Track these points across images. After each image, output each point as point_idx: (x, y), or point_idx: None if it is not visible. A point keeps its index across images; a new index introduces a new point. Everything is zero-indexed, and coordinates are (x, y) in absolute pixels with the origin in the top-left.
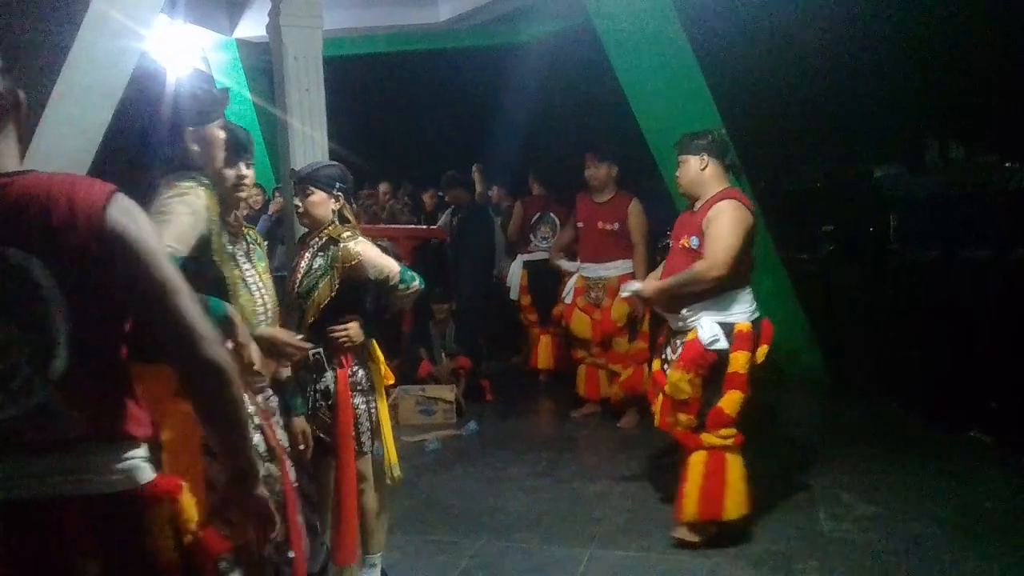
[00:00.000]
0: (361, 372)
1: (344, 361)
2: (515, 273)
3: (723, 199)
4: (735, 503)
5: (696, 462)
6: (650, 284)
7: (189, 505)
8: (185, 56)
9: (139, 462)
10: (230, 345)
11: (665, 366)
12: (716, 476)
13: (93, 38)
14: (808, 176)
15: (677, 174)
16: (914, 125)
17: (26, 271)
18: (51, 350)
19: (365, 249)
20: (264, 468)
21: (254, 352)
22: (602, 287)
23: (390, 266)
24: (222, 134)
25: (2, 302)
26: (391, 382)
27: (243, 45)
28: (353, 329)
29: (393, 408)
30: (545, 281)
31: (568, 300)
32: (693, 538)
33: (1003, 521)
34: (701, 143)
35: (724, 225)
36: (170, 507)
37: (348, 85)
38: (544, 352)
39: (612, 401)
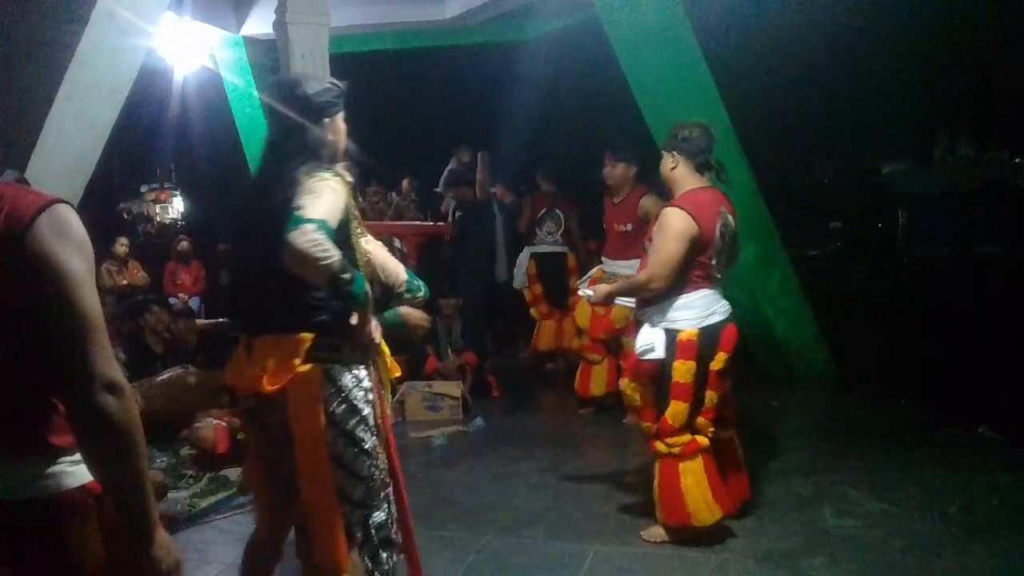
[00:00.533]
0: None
1: None
2: (521, 264)
3: (670, 206)
4: (700, 510)
5: (656, 469)
6: (600, 289)
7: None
8: (192, 54)
9: (60, 468)
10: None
11: None
12: (670, 484)
13: (100, 36)
14: (816, 172)
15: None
16: (923, 121)
17: None
18: None
19: (375, 249)
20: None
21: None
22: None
23: (398, 272)
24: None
25: None
26: (397, 374)
27: (250, 43)
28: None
29: (400, 404)
30: (551, 272)
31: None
32: (661, 537)
33: (1010, 519)
34: (671, 140)
35: (663, 236)
36: (96, 513)
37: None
38: (547, 335)
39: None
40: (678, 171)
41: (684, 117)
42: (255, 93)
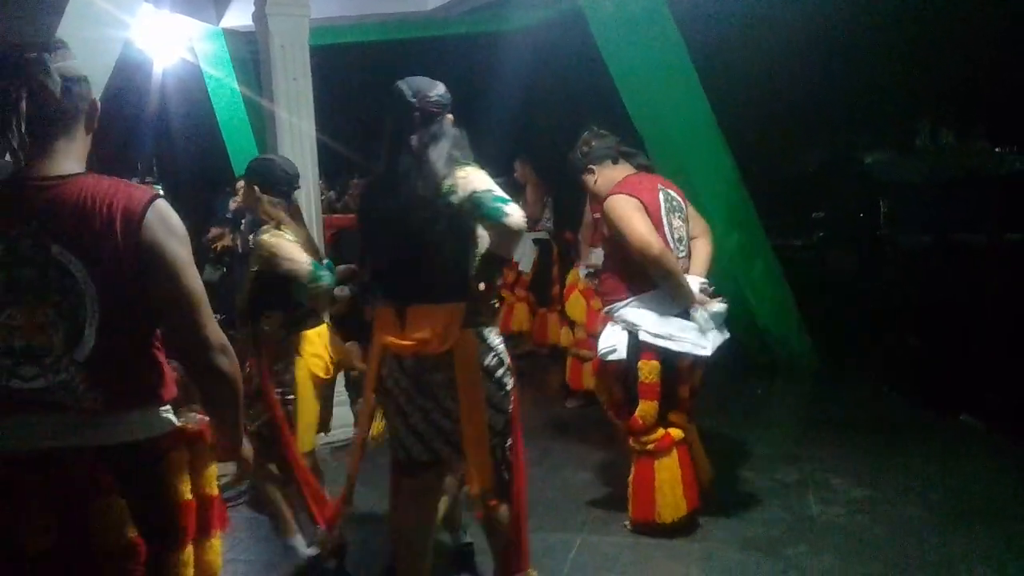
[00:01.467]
0: (281, 366)
1: (264, 352)
2: (526, 253)
3: (607, 196)
4: (668, 506)
5: (632, 465)
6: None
7: (208, 459)
8: (171, 46)
9: (157, 417)
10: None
11: None
12: (644, 481)
13: (76, 26)
14: (798, 162)
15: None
16: (905, 111)
17: (66, 266)
18: (80, 336)
19: (278, 243)
20: (510, 383)
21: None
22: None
23: (300, 262)
24: None
25: (44, 289)
26: (325, 376)
27: (230, 35)
28: (270, 322)
29: None
30: (543, 259)
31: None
32: (632, 527)
33: (992, 504)
34: (581, 160)
35: (619, 221)
36: (188, 454)
37: (335, 75)
38: (519, 316)
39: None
40: (601, 179)
41: (667, 108)
42: (235, 86)
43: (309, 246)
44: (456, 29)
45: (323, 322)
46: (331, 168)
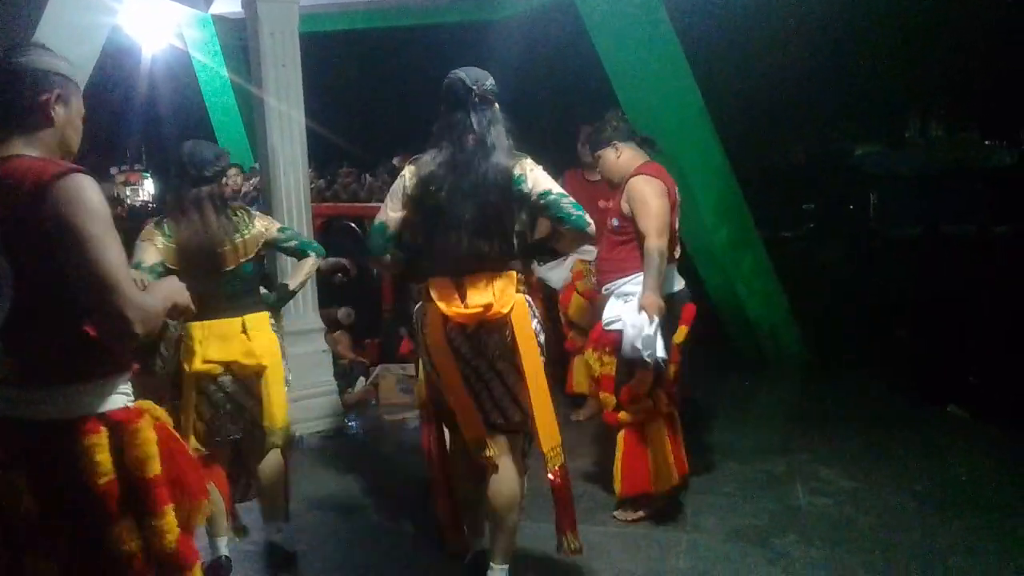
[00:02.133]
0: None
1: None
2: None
3: (635, 175)
4: (660, 475)
5: (620, 440)
6: (648, 298)
7: (141, 441)
8: (160, 33)
9: (74, 398)
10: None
11: None
12: (634, 452)
13: (62, 12)
14: (789, 155)
15: (599, 169)
16: (895, 104)
17: None
18: None
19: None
20: (542, 344)
21: None
22: None
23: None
24: None
25: None
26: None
27: (219, 21)
28: None
29: (374, 387)
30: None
31: (561, 284)
32: (629, 516)
33: (978, 493)
34: (607, 134)
35: (643, 200)
36: (107, 434)
37: (325, 62)
38: None
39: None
40: (623, 157)
41: (658, 98)
42: (224, 73)
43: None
44: (446, 17)
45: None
46: (321, 156)
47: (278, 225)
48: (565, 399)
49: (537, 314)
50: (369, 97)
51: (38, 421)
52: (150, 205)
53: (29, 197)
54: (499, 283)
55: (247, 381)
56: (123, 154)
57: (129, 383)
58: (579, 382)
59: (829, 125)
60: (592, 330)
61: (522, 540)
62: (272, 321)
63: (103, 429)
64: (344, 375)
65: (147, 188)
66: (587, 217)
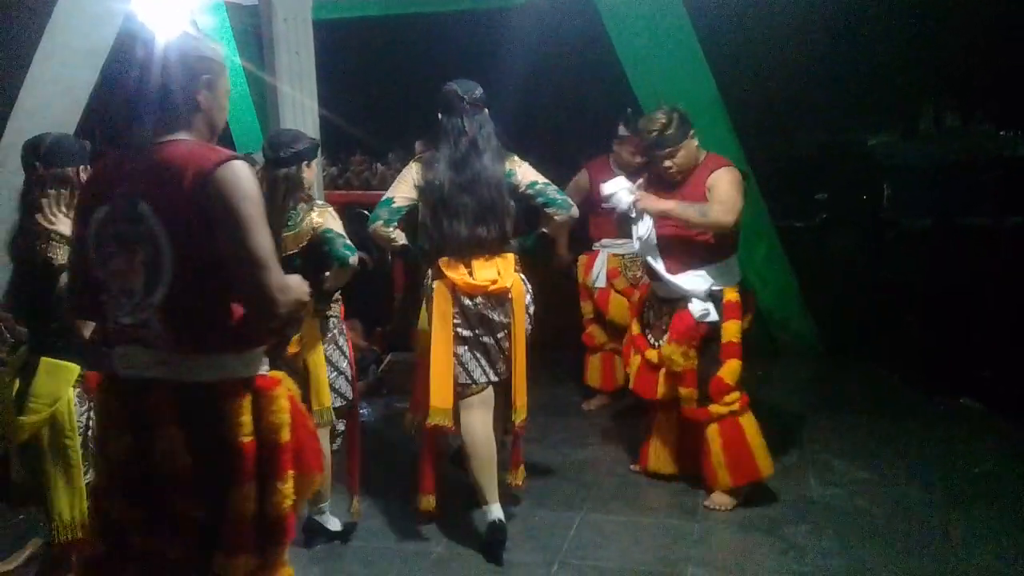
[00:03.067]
0: None
1: None
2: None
3: (720, 166)
4: (764, 460)
5: (713, 434)
6: (650, 197)
7: (278, 408)
8: (173, 19)
9: (223, 365)
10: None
11: (647, 331)
12: (738, 442)
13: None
14: (802, 143)
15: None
16: (909, 94)
17: (148, 221)
18: (157, 283)
19: None
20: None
21: None
22: (639, 263)
23: None
24: None
25: (134, 240)
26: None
27: (232, 8)
28: None
29: (386, 374)
30: None
31: (600, 284)
32: (729, 502)
33: (992, 486)
34: (684, 128)
35: (730, 187)
36: (250, 399)
37: (338, 49)
38: None
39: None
40: (698, 147)
41: (673, 87)
42: (238, 60)
43: None
44: (460, 4)
45: None
46: (334, 144)
47: (334, 223)
48: (579, 389)
49: (530, 290)
50: (382, 84)
51: (192, 383)
52: None
53: (192, 183)
54: (500, 262)
55: (295, 366)
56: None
57: (262, 355)
58: (592, 376)
59: (843, 115)
60: (677, 321)
61: (532, 529)
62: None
63: (247, 393)
64: (356, 363)
65: None
66: (570, 200)
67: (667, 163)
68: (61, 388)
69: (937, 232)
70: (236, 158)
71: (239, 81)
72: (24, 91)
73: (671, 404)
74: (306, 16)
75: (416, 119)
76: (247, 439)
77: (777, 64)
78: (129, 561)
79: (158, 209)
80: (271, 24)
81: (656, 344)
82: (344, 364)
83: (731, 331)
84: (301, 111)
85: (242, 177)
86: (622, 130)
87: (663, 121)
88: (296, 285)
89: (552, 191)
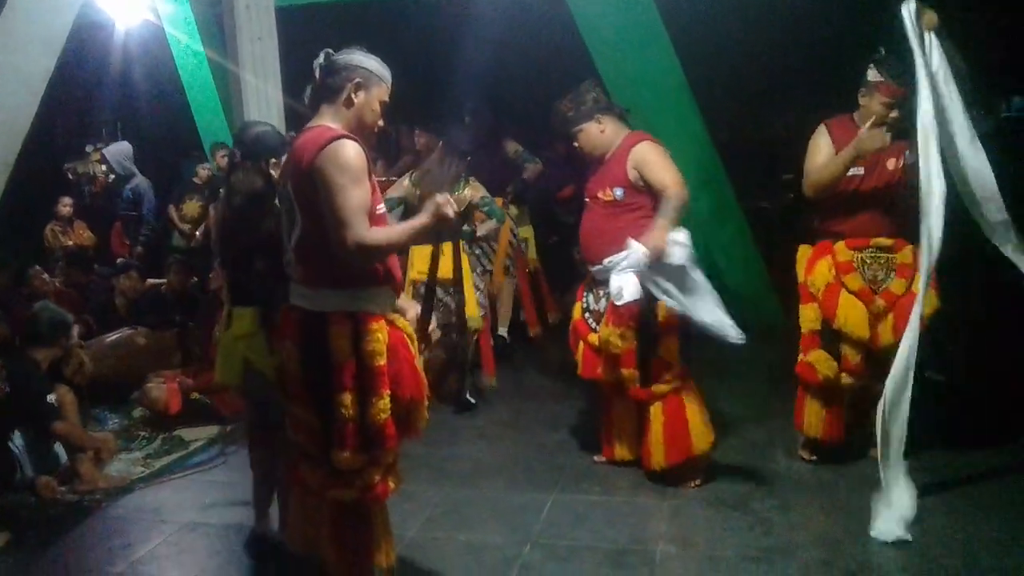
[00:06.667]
0: None
1: None
2: None
3: (637, 142)
4: (700, 436)
5: (656, 412)
6: (653, 236)
7: (373, 339)
8: (133, 7)
9: (331, 299)
10: None
11: (587, 315)
12: (678, 419)
13: None
14: (769, 125)
15: (578, 144)
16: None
17: (288, 192)
18: (292, 233)
19: None
20: None
21: None
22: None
23: None
24: None
25: (288, 205)
26: None
27: None
28: None
29: None
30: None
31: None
32: (692, 485)
33: (954, 457)
34: (590, 108)
35: (661, 159)
36: (351, 328)
37: (301, 35)
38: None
39: None
40: (608, 130)
41: (639, 72)
42: (200, 48)
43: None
44: None
45: None
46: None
47: (481, 194)
48: (553, 373)
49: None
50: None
51: (310, 311)
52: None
53: (311, 155)
54: (446, 247)
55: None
56: (98, 131)
57: (380, 297)
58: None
59: (809, 95)
60: (611, 305)
61: (505, 511)
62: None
63: (348, 324)
64: None
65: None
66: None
67: (575, 143)
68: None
69: None
70: (347, 137)
71: (203, 70)
72: None
73: (621, 388)
74: (268, 3)
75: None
76: (345, 359)
77: (743, 46)
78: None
79: (290, 181)
80: (233, 11)
81: (596, 327)
82: (482, 286)
83: (665, 309)
84: (265, 100)
85: (344, 151)
86: (872, 75)
87: (568, 103)
88: (378, 237)
89: (490, 203)
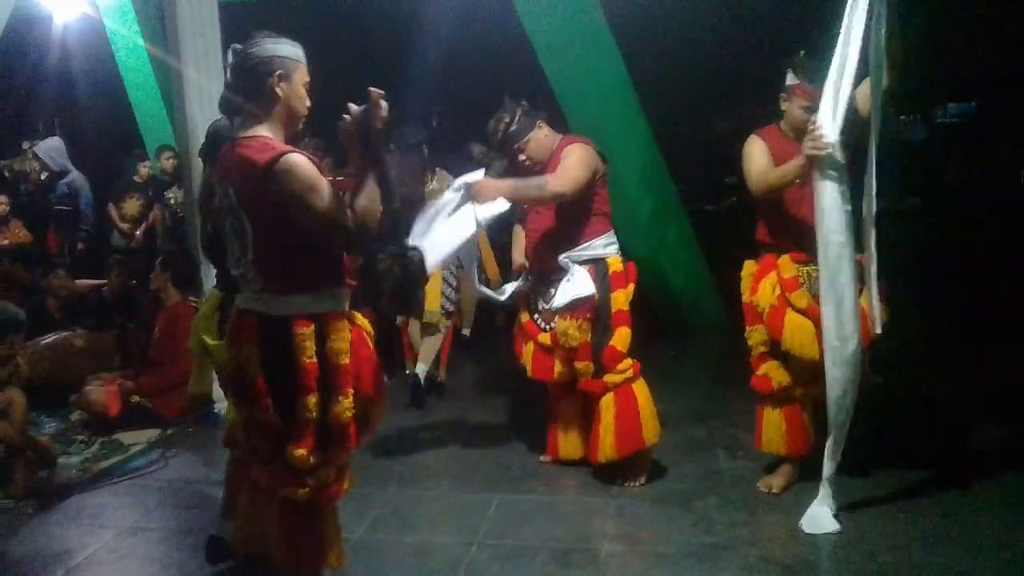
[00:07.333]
0: None
1: None
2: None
3: (571, 143)
4: (651, 427)
5: (608, 404)
6: (488, 183)
7: (338, 338)
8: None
9: (295, 302)
10: None
11: (536, 316)
12: (629, 410)
13: None
14: (713, 128)
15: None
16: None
17: (233, 201)
18: (246, 244)
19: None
20: None
21: None
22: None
23: None
24: None
25: (234, 217)
26: None
27: None
28: None
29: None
30: None
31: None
32: (638, 482)
33: (889, 455)
34: (531, 117)
35: (573, 159)
36: (315, 328)
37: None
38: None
39: None
40: (548, 131)
41: (584, 72)
42: (141, 42)
43: None
44: None
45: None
46: None
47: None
48: (501, 372)
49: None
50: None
51: (271, 315)
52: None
53: (260, 174)
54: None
55: None
56: (35, 128)
57: (340, 297)
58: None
59: (752, 100)
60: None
61: (450, 511)
62: None
63: (312, 324)
64: None
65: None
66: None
67: (521, 156)
68: None
69: None
70: (286, 153)
71: (144, 66)
72: None
73: (569, 387)
74: None
75: (330, 100)
76: (309, 360)
77: (688, 49)
78: (243, 454)
79: (238, 193)
80: (174, 5)
81: (547, 327)
82: (454, 282)
83: (619, 300)
84: (207, 96)
85: (295, 171)
86: (790, 78)
87: (506, 119)
88: (354, 216)
89: None
